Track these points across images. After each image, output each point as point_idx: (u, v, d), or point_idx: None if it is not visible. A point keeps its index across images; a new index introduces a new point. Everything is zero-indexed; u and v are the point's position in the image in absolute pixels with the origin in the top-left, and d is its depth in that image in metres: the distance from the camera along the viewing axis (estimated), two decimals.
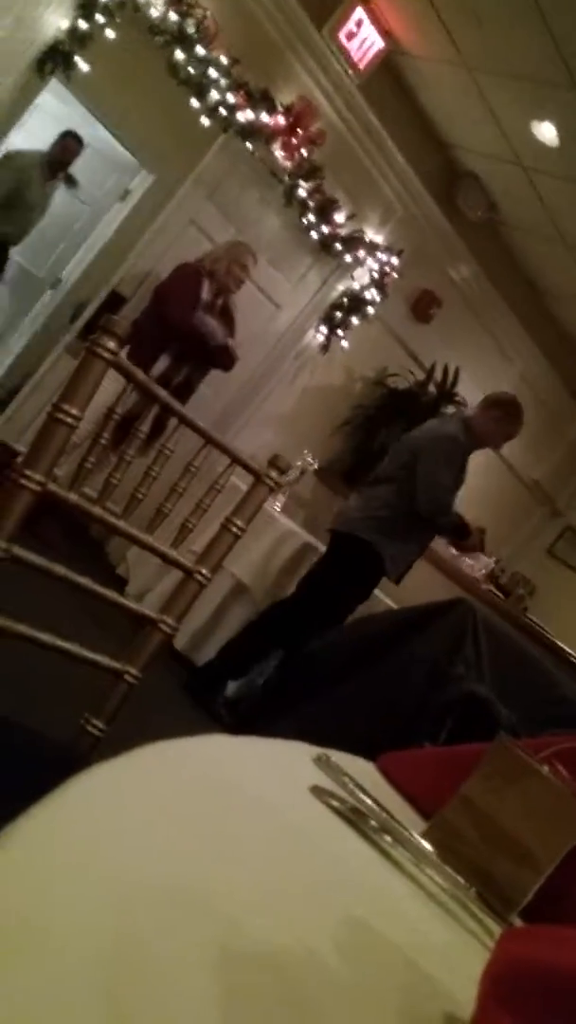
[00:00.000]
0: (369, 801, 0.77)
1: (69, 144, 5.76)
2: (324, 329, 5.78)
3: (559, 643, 4.54)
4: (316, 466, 5.53)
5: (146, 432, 1.85)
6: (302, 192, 5.25)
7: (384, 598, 4.13)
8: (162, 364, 4.48)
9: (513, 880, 0.79)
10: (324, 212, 5.38)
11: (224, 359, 4.77)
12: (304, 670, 1.53)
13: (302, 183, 5.24)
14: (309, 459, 5.28)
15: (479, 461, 7.03)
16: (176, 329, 4.46)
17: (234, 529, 1.80)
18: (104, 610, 1.76)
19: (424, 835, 0.81)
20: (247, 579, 4.08)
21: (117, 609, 1.79)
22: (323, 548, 4.23)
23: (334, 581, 3.44)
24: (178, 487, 2.00)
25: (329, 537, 3.83)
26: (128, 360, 1.49)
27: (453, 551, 5.51)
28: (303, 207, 5.32)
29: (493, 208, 5.96)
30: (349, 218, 5.49)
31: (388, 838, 0.74)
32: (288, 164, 5.17)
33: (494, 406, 4.07)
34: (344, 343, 5.84)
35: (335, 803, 0.73)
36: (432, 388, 6.22)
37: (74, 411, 1.35)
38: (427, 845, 0.78)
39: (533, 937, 0.58)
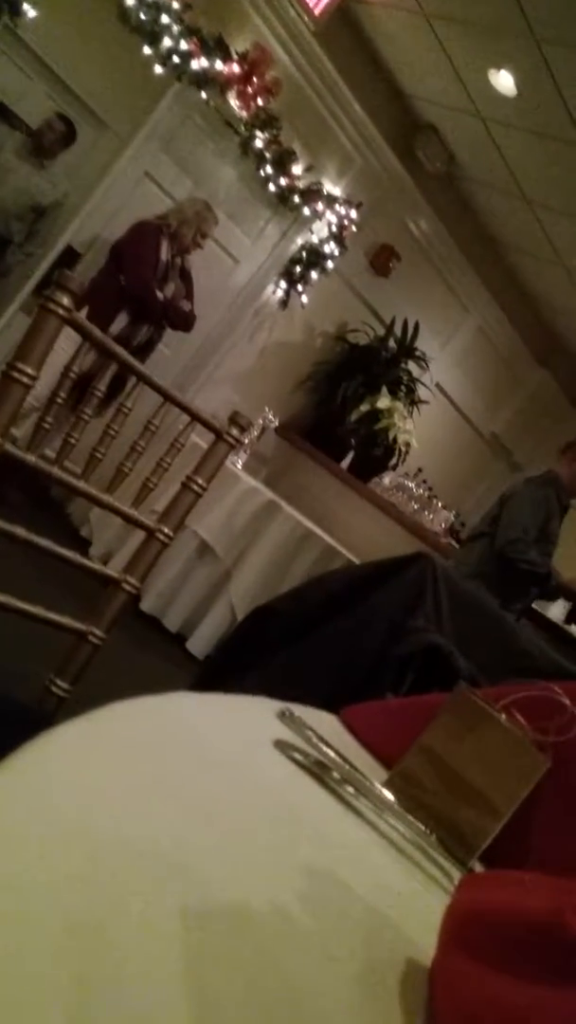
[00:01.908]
0: (331, 753, 0.78)
1: (55, 124, 5.22)
2: (283, 284, 5.73)
3: None
4: (277, 423, 5.52)
5: (104, 391, 1.83)
6: (258, 143, 5.17)
7: (344, 551, 4.16)
8: (120, 323, 4.42)
9: (473, 826, 0.81)
10: (281, 164, 5.30)
11: (183, 322, 4.72)
12: (267, 626, 1.54)
13: (258, 134, 5.14)
14: (270, 416, 5.26)
15: (437, 415, 7.08)
16: (135, 293, 4.39)
17: (195, 488, 1.79)
18: (68, 572, 1.76)
19: (386, 784, 0.83)
20: (211, 538, 4.08)
21: (80, 570, 1.78)
22: (286, 506, 4.25)
23: None
24: (138, 446, 1.98)
25: None
26: (86, 320, 1.47)
27: (414, 505, 5.56)
28: (260, 159, 5.24)
29: (452, 160, 5.91)
30: (307, 170, 5.41)
31: (351, 789, 0.76)
32: (244, 114, 5.07)
33: (568, 449, 4.11)
34: (303, 298, 5.79)
35: (298, 756, 0.74)
36: (392, 343, 6.21)
37: (29, 370, 1.33)
38: (388, 794, 0.80)
39: (492, 882, 0.60)
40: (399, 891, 0.66)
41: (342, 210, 5.58)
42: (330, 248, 5.66)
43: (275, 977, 0.41)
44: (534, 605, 4.31)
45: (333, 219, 5.58)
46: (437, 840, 0.80)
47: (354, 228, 5.66)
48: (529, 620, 4.24)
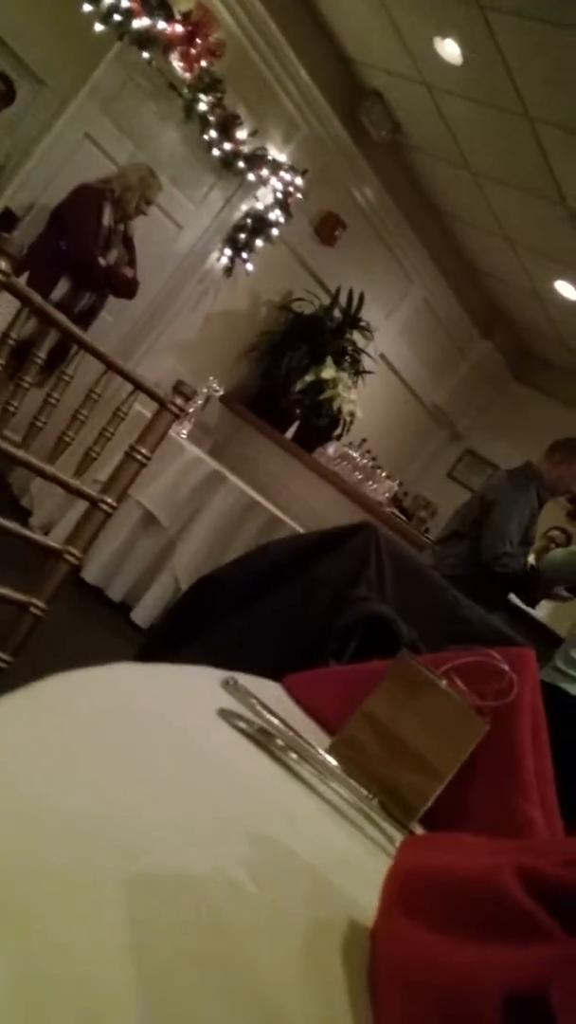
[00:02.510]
0: (275, 721, 0.79)
1: None
2: (228, 251, 5.67)
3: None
4: (221, 393, 5.49)
5: (45, 359, 1.79)
6: (202, 106, 5.07)
7: (289, 521, 4.17)
8: (61, 290, 4.33)
9: (414, 790, 0.82)
10: (225, 128, 5.22)
11: (126, 289, 4.65)
12: (211, 596, 1.54)
13: (202, 97, 5.05)
14: (214, 386, 5.22)
15: (381, 385, 7.11)
16: (76, 259, 4.31)
17: (139, 457, 1.78)
18: (8, 542, 1.73)
19: (329, 751, 0.84)
20: (155, 508, 4.06)
21: (21, 541, 1.76)
22: (231, 476, 4.24)
23: None
24: (80, 415, 1.95)
25: None
26: (25, 286, 1.44)
27: (358, 475, 5.59)
28: (204, 122, 5.15)
29: (397, 128, 5.88)
30: (252, 135, 5.34)
31: (294, 756, 0.76)
32: (187, 76, 4.97)
33: (555, 450, 4.14)
34: (248, 266, 5.74)
35: (242, 725, 0.74)
36: (337, 313, 6.20)
37: None
38: (332, 760, 0.81)
39: (431, 844, 0.61)
40: (342, 855, 0.67)
41: (287, 177, 5.52)
42: (275, 215, 5.60)
43: (219, 941, 0.41)
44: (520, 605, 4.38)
45: (278, 186, 5.53)
46: (379, 804, 0.81)
47: (299, 195, 5.61)
48: (510, 618, 4.30)
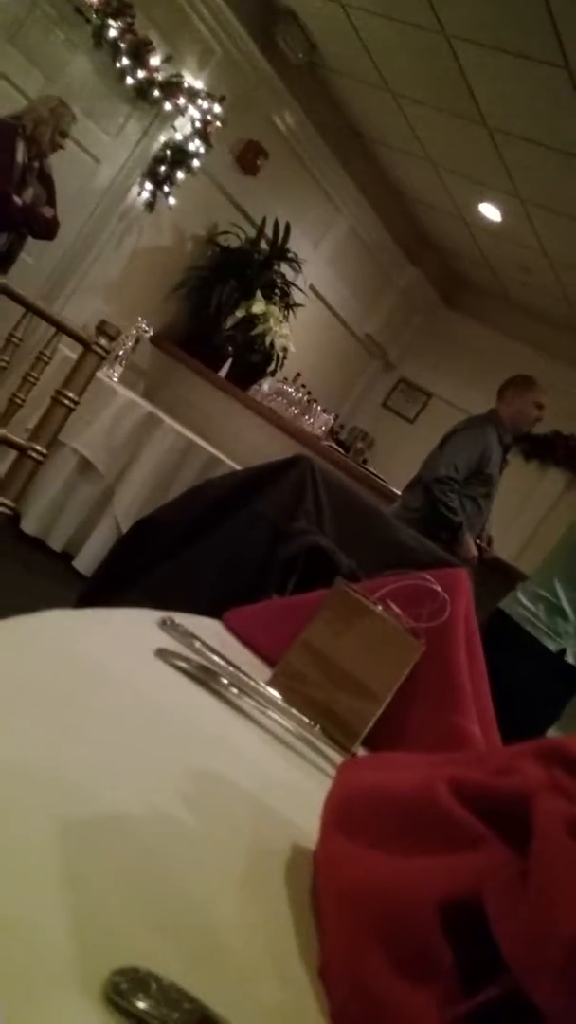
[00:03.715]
0: (215, 657, 0.79)
1: None
2: (148, 185, 5.50)
3: (397, 491, 4.73)
4: (152, 333, 5.38)
5: None
6: (112, 32, 4.86)
7: (228, 460, 4.16)
8: None
9: (355, 714, 0.84)
10: (138, 55, 5.01)
11: (46, 229, 4.49)
12: (149, 538, 1.53)
13: (111, 22, 4.84)
14: (144, 326, 5.12)
15: (312, 318, 7.04)
16: None
17: (66, 402, 1.74)
18: None
19: (269, 683, 0.85)
20: (91, 454, 4.00)
21: None
22: (167, 418, 4.19)
23: None
24: (1, 360, 1.90)
25: None
26: None
27: (294, 410, 5.57)
28: (114, 49, 4.94)
29: (314, 49, 5.72)
30: (165, 61, 5.14)
31: (235, 690, 0.77)
32: (94, 0, 4.74)
33: (504, 389, 4.24)
34: (170, 200, 5.58)
35: (181, 663, 0.74)
36: (264, 245, 6.09)
37: None
38: (273, 692, 0.82)
39: (368, 764, 0.62)
40: (285, 782, 0.68)
41: (205, 104, 5.35)
42: (195, 146, 5.44)
43: (160, 878, 0.42)
44: None
45: (196, 114, 5.36)
46: (322, 731, 0.82)
47: (218, 124, 5.44)
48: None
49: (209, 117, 5.38)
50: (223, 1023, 0.33)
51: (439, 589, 0.88)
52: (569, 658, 3.25)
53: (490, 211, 6.32)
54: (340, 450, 5.86)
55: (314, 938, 0.43)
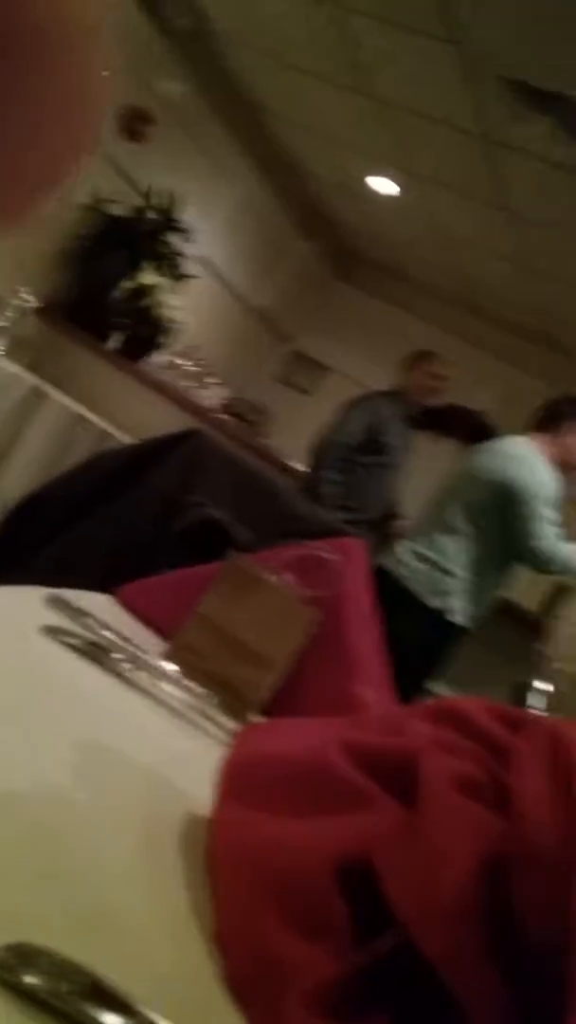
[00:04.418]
0: (106, 633, 0.78)
1: None
2: None
3: (294, 465, 4.76)
4: (36, 304, 5.22)
5: None
6: None
7: (121, 435, 4.09)
8: None
9: (251, 683, 0.84)
10: None
11: None
12: (36, 516, 1.49)
13: None
14: (27, 297, 4.96)
15: (205, 290, 6.97)
16: None
17: None
18: None
19: (165, 656, 0.84)
20: None
21: None
22: (55, 393, 4.09)
23: None
24: None
25: None
26: None
27: (188, 383, 5.52)
28: None
29: (199, 14, 5.61)
30: None
31: (129, 665, 0.76)
32: None
33: (404, 362, 4.44)
34: None
35: (71, 640, 0.73)
36: (153, 215, 5.97)
37: None
38: (169, 665, 0.81)
39: (263, 730, 0.63)
40: (180, 753, 0.68)
41: None
42: None
43: (49, 853, 0.41)
44: None
45: None
46: (219, 702, 0.82)
47: None
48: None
49: None
50: (115, 992, 0.33)
51: (333, 558, 0.89)
52: (453, 616, 3.37)
53: (382, 185, 6.36)
54: (236, 424, 5.84)
55: (209, 904, 0.43)
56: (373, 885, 0.40)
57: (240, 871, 0.44)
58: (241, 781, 0.51)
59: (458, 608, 3.39)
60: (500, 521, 3.33)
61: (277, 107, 6.26)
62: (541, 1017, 0.29)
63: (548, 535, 3.27)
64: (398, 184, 6.23)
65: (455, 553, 3.39)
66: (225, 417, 5.51)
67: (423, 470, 6.59)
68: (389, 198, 6.49)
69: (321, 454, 4.22)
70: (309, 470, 4.30)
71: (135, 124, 5.86)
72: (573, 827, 0.31)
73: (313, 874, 0.41)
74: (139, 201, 5.98)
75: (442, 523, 3.46)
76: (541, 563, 3.31)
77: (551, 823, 0.32)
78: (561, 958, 0.29)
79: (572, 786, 0.33)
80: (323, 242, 7.87)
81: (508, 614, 4.03)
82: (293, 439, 6.19)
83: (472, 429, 6.35)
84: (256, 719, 0.84)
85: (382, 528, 4.32)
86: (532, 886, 0.32)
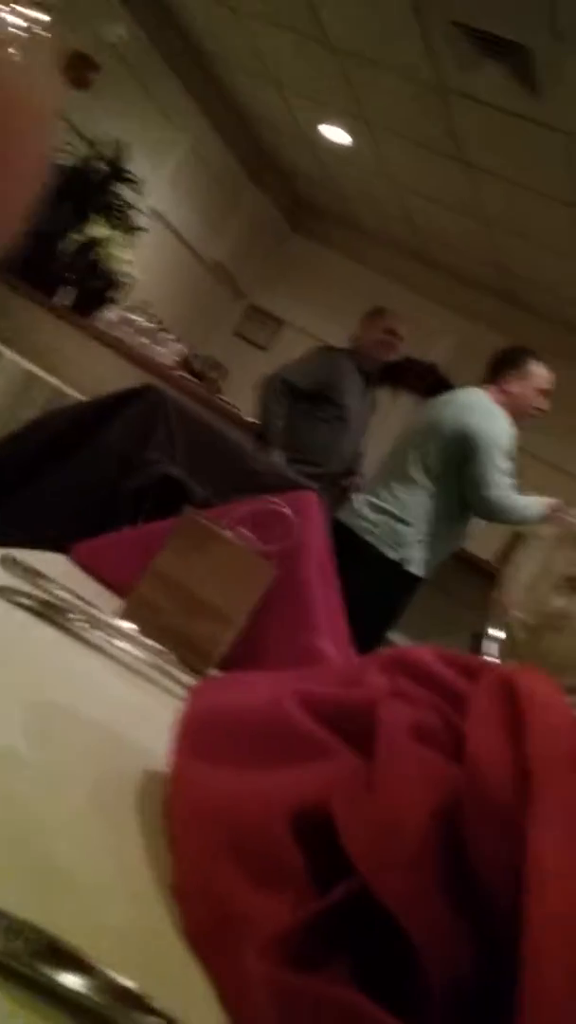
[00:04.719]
0: (61, 592, 0.77)
1: None
2: None
3: (251, 419, 4.73)
4: None
5: None
6: None
7: (75, 394, 4.02)
8: None
9: (209, 639, 0.84)
10: None
11: None
12: None
13: None
14: None
15: (157, 243, 6.85)
16: None
17: None
18: None
19: (121, 614, 0.83)
20: None
21: None
22: (6, 351, 4.00)
23: None
24: None
25: None
26: None
27: (143, 339, 5.44)
28: None
29: None
30: None
31: (84, 624, 0.75)
32: None
33: (361, 320, 4.44)
34: None
35: (24, 600, 0.72)
36: (101, 165, 5.82)
37: None
38: (124, 623, 0.80)
39: (220, 685, 0.62)
40: (138, 709, 0.67)
41: (27, 12, 5.00)
42: None
43: (5, 813, 0.40)
44: None
45: (18, 23, 5.00)
46: (177, 658, 0.82)
47: (45, 34, 5.11)
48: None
49: (33, 26, 5.04)
50: (73, 951, 0.32)
51: (288, 512, 0.88)
52: (411, 567, 3.40)
53: (335, 134, 6.26)
54: (193, 380, 5.78)
55: (166, 859, 0.43)
56: (331, 835, 0.40)
57: (196, 824, 0.43)
58: (197, 735, 0.50)
59: (416, 559, 3.42)
60: (457, 471, 3.35)
61: (227, 54, 6.10)
62: (496, 961, 0.30)
63: (503, 484, 3.30)
64: (351, 133, 6.13)
65: (413, 504, 3.41)
66: (181, 373, 5.45)
67: (381, 425, 6.63)
68: (342, 147, 6.40)
69: (264, 387, 4.29)
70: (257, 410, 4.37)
71: (80, 70, 5.69)
72: (525, 772, 0.31)
73: (269, 825, 0.41)
74: (86, 151, 5.82)
75: (400, 475, 3.49)
76: (495, 512, 3.34)
77: (503, 768, 0.32)
78: (514, 901, 0.29)
79: (523, 732, 0.33)
80: (277, 193, 7.75)
81: (469, 564, 4.08)
82: (250, 394, 6.15)
83: (428, 383, 6.46)
84: (214, 674, 0.84)
85: (342, 483, 4.34)
86: (485, 831, 0.32)
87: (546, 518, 3.20)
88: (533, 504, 3.33)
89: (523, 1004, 0.27)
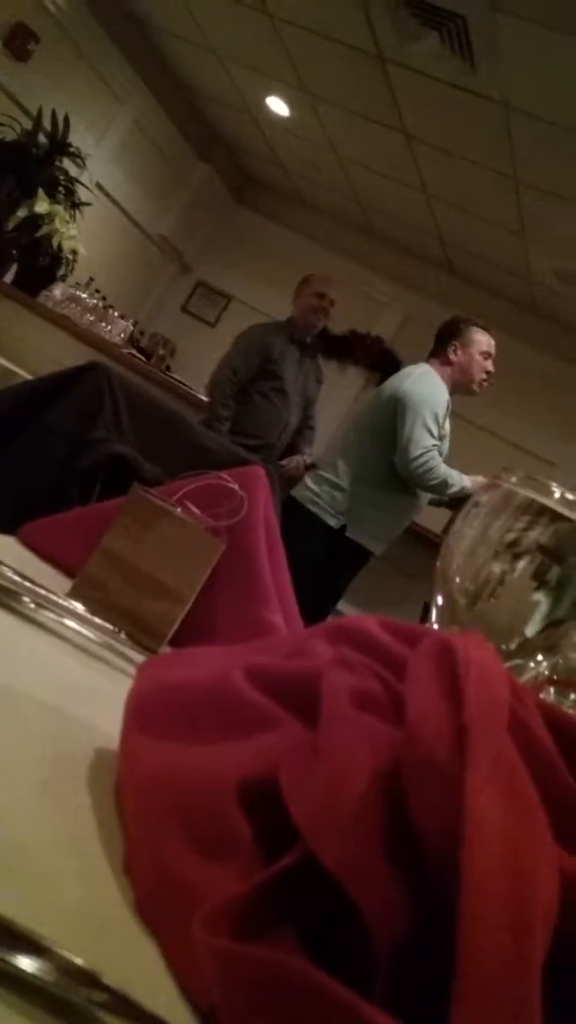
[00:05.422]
0: (6, 571, 0.76)
1: None
2: None
3: (201, 396, 4.71)
4: None
5: None
6: None
7: (23, 373, 3.96)
8: None
9: (159, 616, 0.84)
10: None
11: None
12: None
13: None
14: None
15: (102, 218, 6.74)
16: None
17: None
18: None
19: (69, 594, 0.83)
20: None
21: None
22: None
23: None
24: None
25: None
26: None
27: (89, 316, 5.37)
28: None
29: None
30: None
31: (31, 604, 0.74)
32: None
33: (293, 296, 4.56)
34: None
35: None
36: (43, 138, 5.70)
37: None
38: (73, 603, 0.80)
39: (169, 660, 0.62)
40: (87, 689, 0.67)
41: None
42: None
43: None
44: None
45: None
46: (127, 636, 0.82)
47: None
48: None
49: None
50: (26, 932, 0.33)
51: (236, 487, 0.88)
52: (354, 536, 3.48)
53: (277, 105, 6.21)
54: (141, 357, 5.72)
55: (118, 837, 0.43)
56: (279, 805, 0.40)
57: (144, 799, 0.44)
58: (146, 710, 0.51)
59: (357, 526, 3.48)
60: (392, 436, 3.42)
61: (168, 24, 6.00)
62: (442, 922, 0.30)
63: (428, 446, 3.35)
64: (290, 104, 6.08)
65: (352, 474, 3.50)
66: (131, 351, 5.39)
67: (327, 397, 6.61)
68: (284, 119, 6.34)
69: (211, 392, 4.44)
70: (206, 408, 4.48)
71: (20, 42, 5.56)
72: (462, 732, 0.32)
73: (217, 796, 0.42)
74: (28, 125, 5.70)
75: (344, 448, 3.60)
76: (420, 474, 3.37)
77: (441, 729, 0.33)
78: (455, 861, 0.30)
79: (460, 694, 0.34)
80: (221, 165, 7.67)
81: (419, 537, 4.14)
82: (200, 371, 6.11)
83: (373, 355, 6.53)
84: (165, 651, 0.84)
85: (282, 464, 4.38)
86: (425, 791, 0.32)
87: (483, 488, 3.26)
88: (459, 477, 3.38)
89: (460, 962, 0.28)
